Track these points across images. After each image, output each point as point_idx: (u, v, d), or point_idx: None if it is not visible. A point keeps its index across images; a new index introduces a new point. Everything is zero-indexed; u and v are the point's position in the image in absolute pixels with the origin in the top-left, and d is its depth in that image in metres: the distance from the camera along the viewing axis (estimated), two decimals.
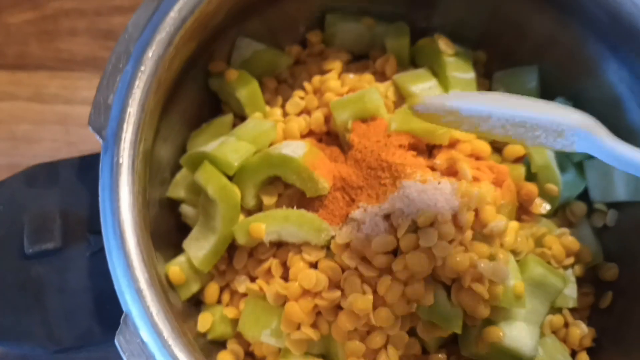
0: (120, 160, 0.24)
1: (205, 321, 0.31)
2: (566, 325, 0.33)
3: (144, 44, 0.25)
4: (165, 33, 0.25)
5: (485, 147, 0.31)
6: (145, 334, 0.24)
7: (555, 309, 0.33)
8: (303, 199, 0.31)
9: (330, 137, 0.33)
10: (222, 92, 0.34)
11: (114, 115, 0.25)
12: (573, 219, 0.35)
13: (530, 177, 0.33)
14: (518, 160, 0.33)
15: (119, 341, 0.24)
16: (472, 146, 0.31)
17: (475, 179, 0.30)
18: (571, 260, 0.33)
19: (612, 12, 0.31)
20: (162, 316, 0.25)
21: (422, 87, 0.33)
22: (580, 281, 0.34)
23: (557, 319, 0.33)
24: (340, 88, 0.33)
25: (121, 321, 0.24)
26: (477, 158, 0.32)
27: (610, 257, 0.35)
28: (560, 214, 0.35)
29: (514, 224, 0.31)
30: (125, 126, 0.25)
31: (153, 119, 0.27)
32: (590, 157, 0.35)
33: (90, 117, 0.25)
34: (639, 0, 0.29)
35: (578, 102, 0.36)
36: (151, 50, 0.25)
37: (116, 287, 0.25)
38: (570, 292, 0.33)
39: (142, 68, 0.25)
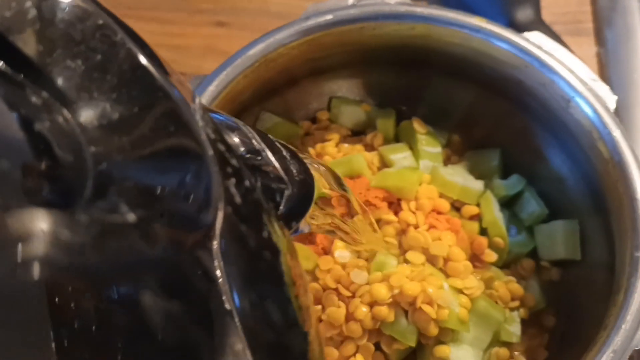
0: None
1: None
2: (511, 357, 0.40)
3: None
4: (204, 101, 0.36)
5: (445, 204, 0.40)
6: None
7: (502, 343, 0.40)
8: (299, 235, 0.39)
9: None
10: None
11: None
12: (523, 273, 0.42)
13: (483, 232, 0.41)
14: (472, 217, 0.41)
15: None
16: (433, 203, 0.40)
17: (433, 227, 0.38)
18: (516, 303, 0.40)
19: (545, 107, 0.40)
20: None
21: (399, 156, 0.42)
22: (527, 323, 0.41)
23: (503, 351, 0.39)
24: (336, 153, 0.42)
25: None
26: (438, 213, 0.40)
27: (554, 306, 0.42)
28: (512, 267, 0.42)
29: (468, 264, 0.38)
30: None
31: None
32: (539, 222, 0.43)
33: None
34: (561, 99, 0.38)
35: (531, 179, 0.44)
36: None
37: None
38: (515, 330, 0.40)
39: None
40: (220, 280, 0.16)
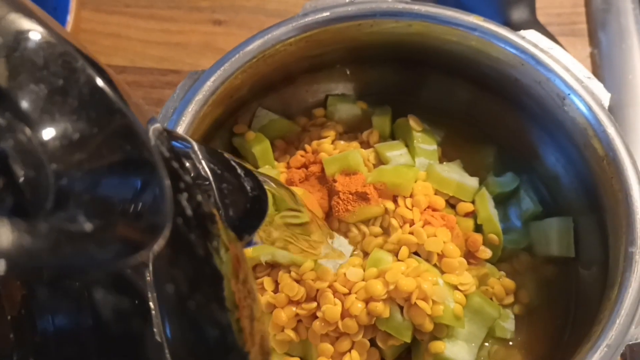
0: None
1: None
2: (507, 353, 0.40)
3: (186, 102, 0.35)
4: (202, 95, 0.36)
5: (440, 201, 0.40)
6: None
7: (497, 339, 0.40)
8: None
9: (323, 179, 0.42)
10: (242, 149, 0.44)
11: None
12: (519, 267, 0.43)
13: (477, 229, 0.41)
14: (468, 215, 0.41)
15: None
16: (429, 199, 0.40)
17: (428, 223, 0.39)
18: (511, 299, 0.40)
19: (540, 105, 0.40)
20: None
21: (395, 153, 0.42)
22: (523, 320, 0.41)
23: (498, 347, 0.40)
24: (333, 150, 0.43)
25: None
26: (434, 209, 0.40)
27: (550, 302, 0.42)
28: (508, 262, 0.43)
29: (462, 260, 0.39)
30: None
31: None
32: (533, 219, 0.43)
33: None
34: (556, 97, 0.38)
35: (526, 176, 0.44)
36: (191, 106, 0.35)
37: None
38: (509, 326, 0.40)
39: (183, 118, 0.35)
40: (153, 312, 0.17)
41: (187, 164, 0.22)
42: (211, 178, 0.23)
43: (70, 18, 0.47)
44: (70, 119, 0.16)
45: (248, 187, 0.24)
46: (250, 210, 0.24)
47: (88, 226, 0.15)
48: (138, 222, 0.16)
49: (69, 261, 0.15)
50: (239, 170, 0.24)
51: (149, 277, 0.17)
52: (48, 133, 0.16)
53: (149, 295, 0.17)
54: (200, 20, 0.56)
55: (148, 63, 0.54)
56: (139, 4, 0.56)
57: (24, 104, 0.16)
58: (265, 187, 0.26)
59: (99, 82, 0.17)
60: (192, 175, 0.20)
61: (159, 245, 0.16)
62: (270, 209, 0.26)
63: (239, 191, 0.24)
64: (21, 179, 0.15)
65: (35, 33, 0.16)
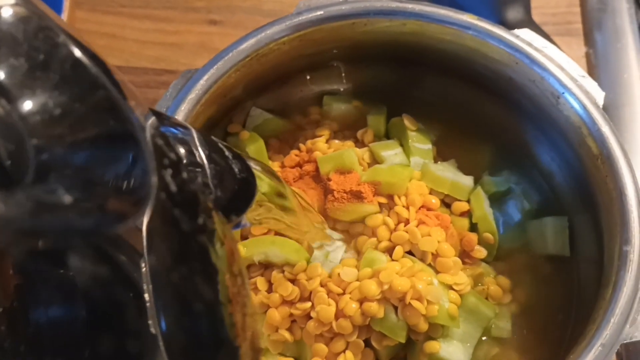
0: None
1: None
2: (503, 352, 0.40)
3: (179, 101, 0.35)
4: (195, 94, 0.35)
5: (435, 200, 0.40)
6: None
7: (493, 338, 0.40)
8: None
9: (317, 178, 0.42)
10: (236, 148, 0.44)
11: None
12: (515, 266, 0.42)
13: (473, 229, 0.41)
14: (463, 214, 0.41)
15: None
16: (424, 199, 0.40)
17: (422, 223, 0.38)
18: (508, 298, 0.40)
19: (535, 103, 0.40)
20: None
21: (390, 153, 0.42)
22: (520, 318, 0.41)
23: (494, 347, 0.39)
24: (327, 149, 0.42)
25: None
26: (428, 209, 0.40)
27: (547, 301, 0.42)
28: (505, 261, 0.42)
29: (457, 260, 0.38)
30: None
31: None
32: (528, 218, 0.43)
33: None
34: (551, 96, 0.38)
35: (521, 175, 0.44)
36: (184, 105, 0.35)
37: None
38: (505, 325, 0.40)
39: (176, 117, 0.35)
40: (149, 304, 0.17)
41: (182, 149, 0.22)
42: (206, 164, 0.23)
43: (64, 18, 0.46)
44: (51, 93, 0.16)
45: (236, 170, 0.24)
46: (238, 192, 0.24)
47: (67, 198, 0.15)
48: (120, 194, 0.16)
49: (47, 228, 0.15)
50: (226, 153, 0.24)
51: (144, 267, 0.17)
52: (28, 107, 0.16)
53: (145, 287, 0.17)
54: (196, 21, 0.56)
55: (143, 63, 0.54)
56: (134, 4, 0.56)
57: (3, 78, 0.16)
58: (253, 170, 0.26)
59: (81, 56, 0.17)
60: (180, 155, 0.20)
61: (143, 220, 0.16)
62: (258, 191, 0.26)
63: (227, 173, 0.24)
64: (1, 153, 0.15)
65: (16, 8, 0.16)
